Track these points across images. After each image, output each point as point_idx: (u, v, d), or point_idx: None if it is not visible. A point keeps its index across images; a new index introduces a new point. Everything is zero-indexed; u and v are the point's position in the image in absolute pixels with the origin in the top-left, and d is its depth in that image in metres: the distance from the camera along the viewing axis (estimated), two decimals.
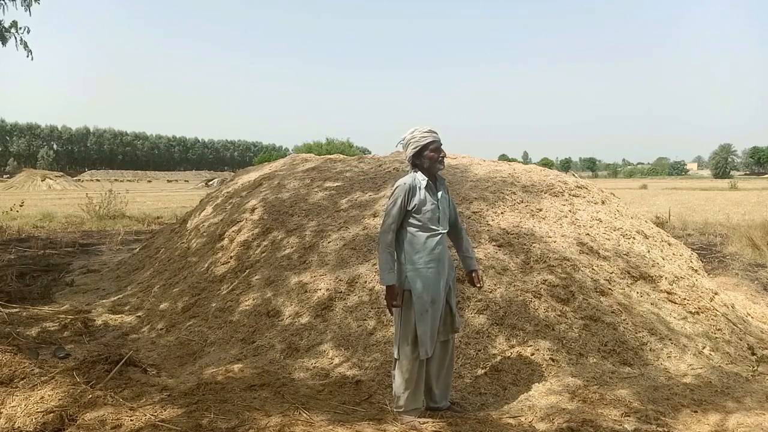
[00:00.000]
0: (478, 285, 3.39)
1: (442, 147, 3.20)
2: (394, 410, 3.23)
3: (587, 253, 5.00)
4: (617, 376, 3.72)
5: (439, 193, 3.22)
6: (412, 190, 3.11)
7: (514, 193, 5.88)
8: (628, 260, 5.10)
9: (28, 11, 8.07)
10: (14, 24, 7.84)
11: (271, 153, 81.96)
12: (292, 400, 3.39)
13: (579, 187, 6.37)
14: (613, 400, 3.35)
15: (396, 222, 3.09)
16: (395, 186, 3.16)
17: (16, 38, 7.85)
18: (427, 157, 3.14)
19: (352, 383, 3.67)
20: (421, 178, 3.15)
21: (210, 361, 4.20)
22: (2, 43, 7.86)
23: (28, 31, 7.89)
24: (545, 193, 5.99)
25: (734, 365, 4.10)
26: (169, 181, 76.96)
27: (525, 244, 4.92)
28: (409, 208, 3.10)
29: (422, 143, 3.12)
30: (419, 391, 3.18)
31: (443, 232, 3.20)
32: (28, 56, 8.00)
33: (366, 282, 4.62)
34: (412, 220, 3.13)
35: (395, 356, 3.20)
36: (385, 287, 3.09)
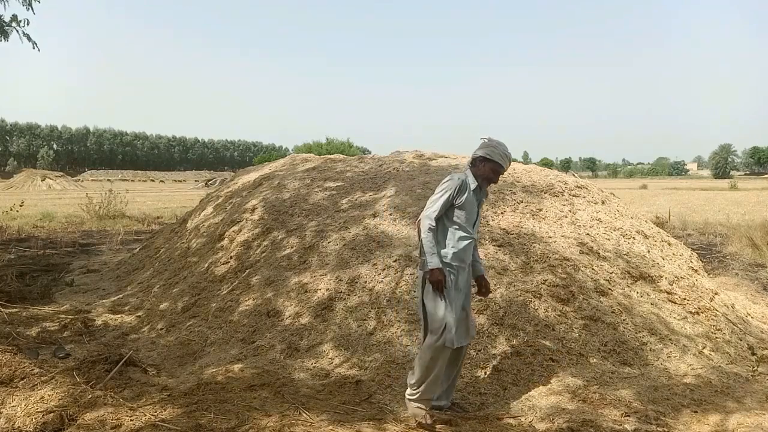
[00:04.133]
0: (485, 291, 3.45)
1: (501, 174, 3.29)
2: (406, 397, 3.19)
3: (587, 254, 5.00)
4: (617, 376, 3.72)
5: (482, 200, 3.31)
6: (463, 186, 3.15)
7: (515, 193, 5.88)
8: (629, 260, 5.10)
9: (30, 9, 8.05)
10: (14, 18, 7.82)
11: (271, 153, 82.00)
12: (292, 400, 3.39)
13: (579, 187, 6.37)
14: (614, 400, 3.35)
15: (439, 212, 3.11)
16: (447, 178, 3.19)
17: (18, 32, 7.84)
18: (486, 169, 3.21)
19: (352, 383, 3.67)
20: (472, 179, 3.21)
21: (210, 361, 4.20)
22: (4, 38, 7.84)
23: (28, 23, 7.87)
24: (545, 193, 5.99)
25: (734, 365, 4.10)
26: (176, 181, 76.84)
27: (525, 244, 4.92)
28: (455, 203, 3.14)
29: (495, 159, 3.17)
30: (437, 384, 3.16)
31: (474, 237, 3.25)
32: (33, 48, 7.98)
33: (366, 282, 4.62)
34: (452, 216, 3.17)
35: (422, 348, 3.20)
36: (431, 270, 3.06)
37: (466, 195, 3.15)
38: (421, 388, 3.12)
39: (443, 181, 3.21)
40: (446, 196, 3.11)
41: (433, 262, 3.04)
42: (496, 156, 3.17)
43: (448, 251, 3.16)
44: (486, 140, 3.25)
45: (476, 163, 3.23)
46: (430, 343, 3.10)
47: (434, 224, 3.10)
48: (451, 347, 3.09)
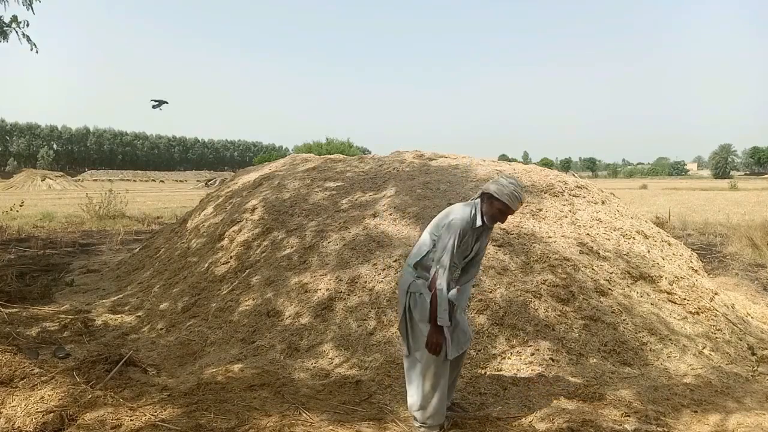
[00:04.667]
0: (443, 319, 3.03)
1: (509, 215, 3.05)
2: (419, 427, 3.06)
3: (587, 253, 5.00)
4: (617, 376, 3.72)
5: (481, 240, 3.13)
6: (465, 228, 2.97)
7: None
8: (629, 260, 5.10)
9: (30, 9, 8.04)
10: (14, 18, 7.83)
11: (271, 153, 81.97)
12: (292, 400, 3.39)
13: (579, 187, 6.37)
14: (614, 400, 3.35)
15: (452, 259, 2.92)
16: (452, 217, 2.98)
17: (17, 33, 7.83)
18: (494, 209, 2.97)
19: (352, 383, 3.67)
20: (479, 217, 3.00)
21: (210, 361, 4.20)
22: (4, 39, 7.84)
23: (28, 25, 7.87)
24: (545, 193, 5.99)
25: (734, 365, 4.10)
26: (177, 181, 76.78)
27: (525, 244, 4.92)
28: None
29: (503, 199, 2.93)
30: (443, 402, 3.03)
31: (459, 270, 3.13)
32: (32, 49, 7.98)
33: (366, 282, 4.62)
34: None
35: (413, 372, 3.06)
36: (434, 326, 2.92)
37: (467, 237, 3.00)
38: (429, 411, 3.00)
39: (450, 225, 2.96)
40: (453, 239, 2.92)
41: (442, 319, 2.89)
42: (504, 197, 2.92)
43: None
44: (499, 177, 3.04)
45: (484, 198, 3.01)
46: (424, 361, 2.99)
47: (451, 277, 2.96)
48: (448, 360, 3.02)
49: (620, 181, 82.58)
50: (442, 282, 2.91)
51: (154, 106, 8.79)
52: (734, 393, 3.55)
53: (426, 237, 3.11)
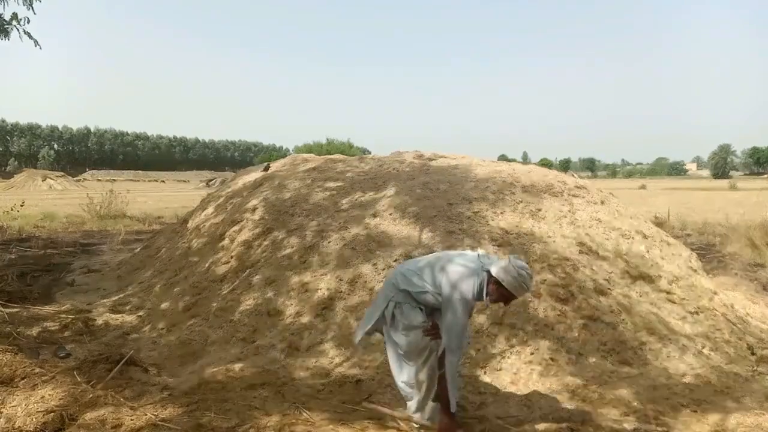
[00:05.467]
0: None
1: (513, 302, 2.97)
2: (419, 428, 3.07)
3: (587, 253, 5.00)
4: (617, 376, 3.73)
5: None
6: (471, 307, 2.91)
7: (514, 194, 5.89)
8: (628, 260, 5.10)
9: (31, 9, 8.04)
10: (14, 16, 7.80)
11: (272, 153, 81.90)
12: (293, 399, 3.40)
13: (578, 187, 6.38)
14: (613, 399, 3.36)
15: (464, 339, 2.88)
16: (462, 292, 2.82)
17: (18, 30, 7.82)
18: (499, 294, 2.84)
19: (353, 383, 3.68)
20: (484, 291, 2.85)
21: (211, 360, 4.21)
22: (5, 37, 7.83)
23: (29, 22, 7.85)
24: (545, 194, 6.00)
25: (734, 365, 4.11)
26: (179, 181, 76.77)
27: (525, 244, 4.93)
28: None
29: (510, 290, 2.79)
30: (434, 385, 3.03)
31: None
32: (35, 45, 7.97)
33: (366, 282, 4.63)
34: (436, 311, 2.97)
35: (404, 379, 3.05)
36: (446, 416, 2.91)
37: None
38: (427, 412, 3.03)
39: (459, 298, 2.82)
40: (464, 321, 2.84)
41: (453, 405, 2.87)
42: (512, 288, 2.78)
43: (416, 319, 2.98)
44: (510, 263, 2.80)
45: (492, 279, 2.83)
46: (415, 364, 2.99)
47: (461, 357, 2.93)
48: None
49: (619, 181, 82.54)
50: (454, 368, 2.85)
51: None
52: (734, 393, 3.56)
53: (427, 275, 2.98)
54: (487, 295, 2.84)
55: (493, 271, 2.82)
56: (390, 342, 3.09)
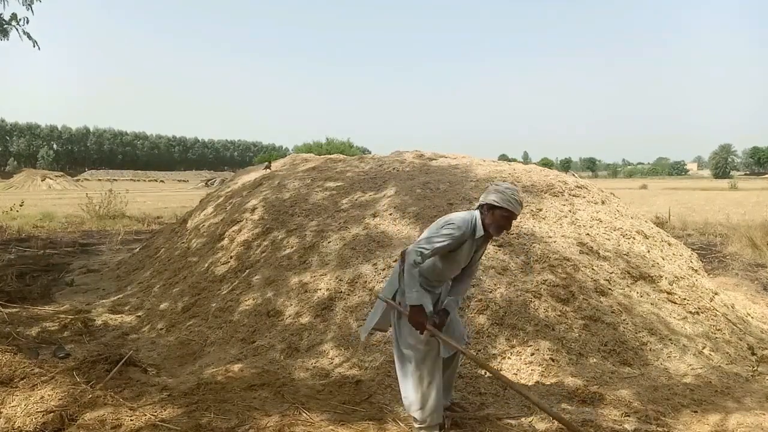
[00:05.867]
0: (431, 329, 2.92)
1: (513, 221, 2.98)
2: (419, 427, 3.00)
3: (587, 253, 5.00)
4: (617, 376, 3.72)
5: (479, 252, 3.11)
6: (461, 240, 2.91)
7: None
8: (628, 260, 5.10)
9: (30, 9, 8.04)
10: (14, 16, 7.82)
11: (271, 153, 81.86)
12: (292, 399, 3.39)
13: (579, 187, 6.37)
14: (614, 400, 3.35)
15: (432, 254, 2.87)
16: (452, 221, 2.91)
17: (18, 30, 7.83)
18: (497, 216, 2.90)
19: (352, 383, 3.67)
20: (480, 228, 2.93)
21: (210, 360, 4.20)
22: (4, 37, 7.83)
23: (28, 22, 7.86)
24: (545, 193, 5.99)
25: (734, 365, 4.10)
26: (179, 181, 76.74)
27: (525, 244, 4.92)
28: (450, 251, 2.92)
29: (503, 205, 2.87)
30: (440, 401, 2.97)
31: (438, 291, 3.10)
32: (34, 46, 7.98)
33: (366, 282, 4.62)
34: (438, 259, 2.98)
35: (406, 370, 2.99)
36: (410, 308, 2.85)
37: (464, 247, 2.94)
38: (427, 410, 2.94)
39: (449, 223, 2.91)
40: (447, 243, 2.86)
41: (412, 297, 2.81)
42: (505, 202, 2.86)
43: (427, 281, 3.02)
44: (494, 185, 2.98)
45: (484, 211, 2.94)
46: (421, 356, 2.93)
47: (422, 261, 2.85)
48: (440, 357, 2.99)
49: (620, 181, 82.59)
50: (411, 259, 2.82)
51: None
52: (734, 393, 3.55)
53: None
54: (488, 229, 2.92)
55: (481, 199, 2.96)
56: (396, 348, 3.05)
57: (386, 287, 3.18)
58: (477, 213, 2.98)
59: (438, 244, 2.85)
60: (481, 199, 2.99)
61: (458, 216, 2.96)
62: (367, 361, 3.93)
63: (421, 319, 2.84)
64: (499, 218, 2.91)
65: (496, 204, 2.88)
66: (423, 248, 2.84)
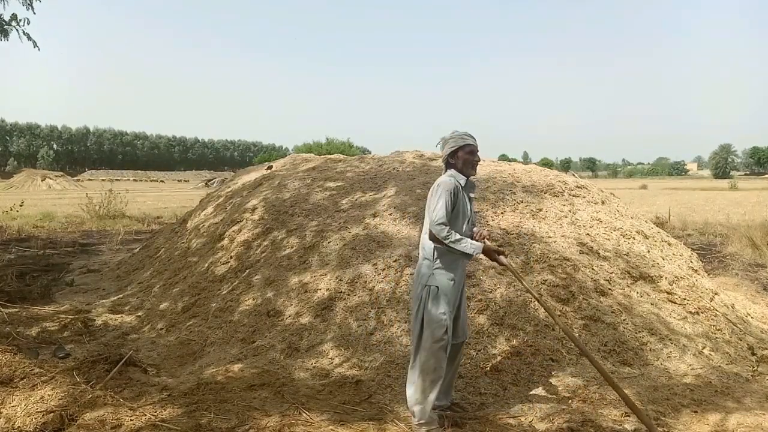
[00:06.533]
0: (506, 261, 3.25)
1: (477, 153, 3.25)
2: (418, 424, 3.05)
3: (587, 254, 5.00)
4: (617, 376, 3.72)
5: (472, 195, 3.29)
6: (455, 191, 3.09)
7: (515, 193, 5.88)
8: (628, 260, 5.10)
9: (31, 9, 8.05)
10: (14, 17, 7.83)
11: (271, 153, 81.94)
12: (292, 400, 3.39)
13: (579, 187, 6.37)
14: (614, 400, 3.35)
15: (447, 214, 3.01)
16: (438, 183, 3.13)
17: (18, 30, 7.84)
18: (461, 158, 3.19)
19: (352, 383, 3.67)
20: (459, 177, 3.17)
21: (210, 361, 4.20)
22: (4, 37, 7.85)
23: (28, 23, 7.87)
24: (545, 193, 5.99)
25: (734, 365, 4.10)
26: (179, 181, 76.74)
27: (525, 244, 4.92)
28: (453, 207, 3.08)
29: (459, 144, 3.17)
30: (436, 385, 3.04)
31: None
32: (34, 47, 7.99)
33: (366, 282, 4.62)
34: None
35: (415, 360, 3.08)
36: (485, 253, 3.13)
37: (459, 198, 3.11)
38: (427, 407, 3.02)
39: (434, 189, 3.13)
40: (444, 198, 3.03)
41: (472, 248, 3.01)
42: (460, 140, 3.18)
43: (446, 256, 3.10)
44: (440, 140, 3.29)
45: (449, 161, 3.24)
46: (429, 346, 3.02)
47: (448, 225, 3.00)
48: (450, 342, 3.07)
49: (620, 181, 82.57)
50: (442, 234, 2.98)
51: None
52: (734, 393, 3.55)
53: (426, 219, 3.20)
54: (464, 173, 3.20)
55: (443, 156, 3.28)
56: (416, 325, 3.12)
57: (414, 286, 3.26)
58: (450, 170, 3.23)
59: (442, 202, 3.04)
60: (442, 157, 3.29)
61: (440, 179, 3.19)
62: (367, 361, 3.93)
63: (492, 254, 3.16)
64: (466, 155, 3.19)
65: (455, 147, 3.19)
66: (439, 218, 3.01)
